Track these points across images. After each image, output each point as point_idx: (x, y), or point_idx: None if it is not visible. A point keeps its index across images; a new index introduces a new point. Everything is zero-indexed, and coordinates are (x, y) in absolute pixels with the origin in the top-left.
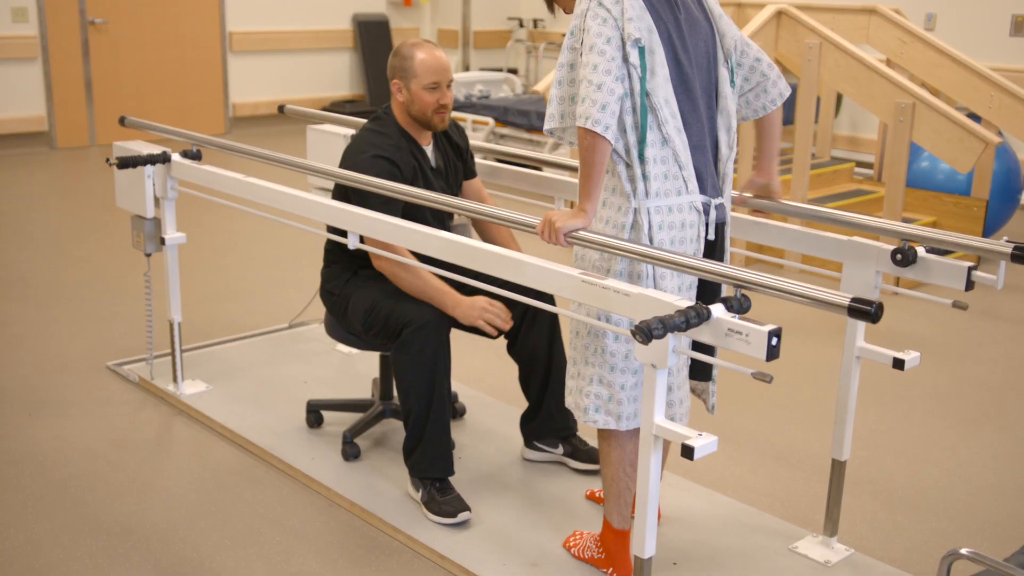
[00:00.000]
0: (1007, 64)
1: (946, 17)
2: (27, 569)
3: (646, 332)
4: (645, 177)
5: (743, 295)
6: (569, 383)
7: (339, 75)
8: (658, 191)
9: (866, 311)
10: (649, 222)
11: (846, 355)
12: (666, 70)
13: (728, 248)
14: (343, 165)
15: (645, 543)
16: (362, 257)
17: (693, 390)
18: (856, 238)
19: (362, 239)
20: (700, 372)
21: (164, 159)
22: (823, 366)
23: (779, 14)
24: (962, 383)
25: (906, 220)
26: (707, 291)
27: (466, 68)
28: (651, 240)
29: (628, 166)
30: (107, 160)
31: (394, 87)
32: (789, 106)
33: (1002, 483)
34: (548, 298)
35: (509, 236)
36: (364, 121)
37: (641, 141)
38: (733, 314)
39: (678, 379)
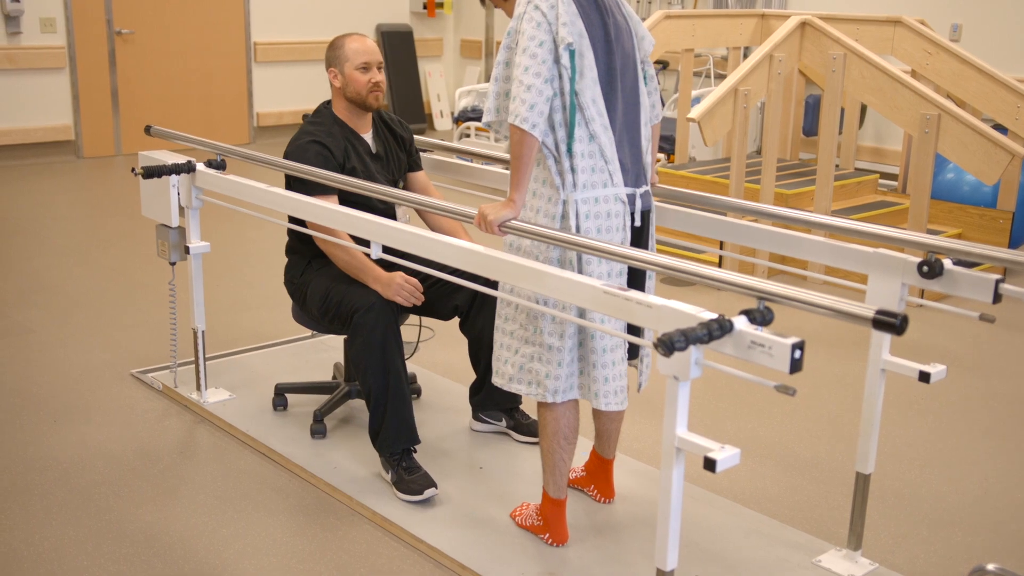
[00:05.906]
0: None
1: (971, 28)
2: (51, 575)
3: (668, 345)
4: (573, 170)
5: (766, 307)
6: (499, 364)
7: None
8: (585, 183)
9: (891, 323)
10: (577, 212)
11: (871, 368)
12: (595, 72)
13: (653, 234)
14: (286, 152)
15: (667, 555)
16: (318, 246)
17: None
18: (881, 250)
19: (305, 223)
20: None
21: (189, 168)
22: (847, 379)
23: (803, 25)
24: (989, 397)
25: (931, 232)
26: (635, 277)
27: (488, 78)
28: (578, 228)
29: (557, 160)
30: (132, 169)
31: (331, 75)
32: (813, 117)
33: None
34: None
35: (459, 226)
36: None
37: (569, 137)
38: (756, 326)
39: (613, 356)
